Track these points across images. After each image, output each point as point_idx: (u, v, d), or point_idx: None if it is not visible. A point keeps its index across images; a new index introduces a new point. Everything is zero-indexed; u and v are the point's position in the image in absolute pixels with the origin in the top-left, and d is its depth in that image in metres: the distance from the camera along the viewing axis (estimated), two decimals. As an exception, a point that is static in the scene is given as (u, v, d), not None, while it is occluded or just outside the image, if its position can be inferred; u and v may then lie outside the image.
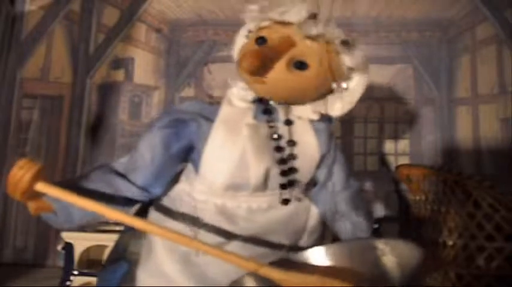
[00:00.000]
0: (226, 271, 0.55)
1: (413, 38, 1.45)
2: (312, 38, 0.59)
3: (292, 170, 0.62)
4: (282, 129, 0.63)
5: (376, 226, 0.70)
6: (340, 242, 0.63)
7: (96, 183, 0.59)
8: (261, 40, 0.61)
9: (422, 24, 1.45)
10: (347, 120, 1.42)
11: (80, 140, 1.45)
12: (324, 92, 0.64)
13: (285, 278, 0.49)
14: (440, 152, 1.39)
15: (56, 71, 1.49)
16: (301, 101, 0.64)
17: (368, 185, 1.39)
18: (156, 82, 1.49)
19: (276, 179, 0.62)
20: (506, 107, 1.37)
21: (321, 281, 0.48)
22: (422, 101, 1.43)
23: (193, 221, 0.62)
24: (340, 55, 0.61)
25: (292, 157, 0.62)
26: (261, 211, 0.62)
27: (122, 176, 0.62)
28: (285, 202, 0.63)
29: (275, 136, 0.62)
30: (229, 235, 0.61)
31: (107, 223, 1.36)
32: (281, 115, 0.64)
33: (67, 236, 1.18)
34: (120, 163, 0.63)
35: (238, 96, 0.64)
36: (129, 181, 0.62)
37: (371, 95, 1.42)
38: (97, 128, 1.46)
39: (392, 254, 0.50)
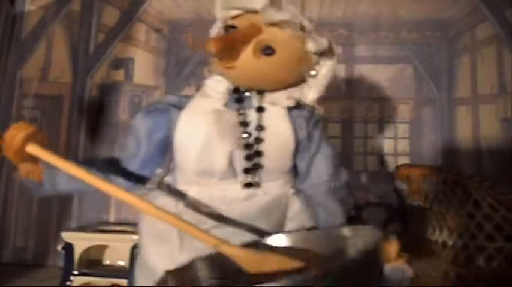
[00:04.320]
0: None
1: (413, 38, 1.45)
2: (276, 24, 0.60)
3: (257, 153, 0.62)
4: (253, 116, 0.64)
5: (353, 213, 0.70)
6: (304, 230, 0.62)
7: None
8: (230, 29, 0.62)
9: (422, 24, 1.44)
10: (347, 120, 1.42)
11: (80, 140, 1.45)
12: (296, 80, 0.64)
13: (243, 255, 0.48)
14: (440, 152, 1.39)
15: (56, 71, 1.49)
16: (271, 87, 0.64)
17: (368, 185, 1.39)
18: (156, 82, 1.49)
19: (243, 165, 0.62)
20: (506, 107, 1.37)
21: (279, 260, 0.48)
22: (422, 101, 1.43)
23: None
24: (305, 42, 0.62)
25: (258, 140, 0.63)
26: (238, 200, 0.62)
27: (111, 167, 0.64)
28: (248, 185, 0.63)
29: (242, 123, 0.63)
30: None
31: (107, 223, 1.37)
32: (254, 103, 0.64)
33: (67, 236, 1.18)
34: (108, 157, 0.67)
35: (212, 87, 0.65)
36: (117, 170, 0.64)
37: (371, 95, 1.42)
38: (97, 128, 1.46)
39: (357, 240, 0.49)
